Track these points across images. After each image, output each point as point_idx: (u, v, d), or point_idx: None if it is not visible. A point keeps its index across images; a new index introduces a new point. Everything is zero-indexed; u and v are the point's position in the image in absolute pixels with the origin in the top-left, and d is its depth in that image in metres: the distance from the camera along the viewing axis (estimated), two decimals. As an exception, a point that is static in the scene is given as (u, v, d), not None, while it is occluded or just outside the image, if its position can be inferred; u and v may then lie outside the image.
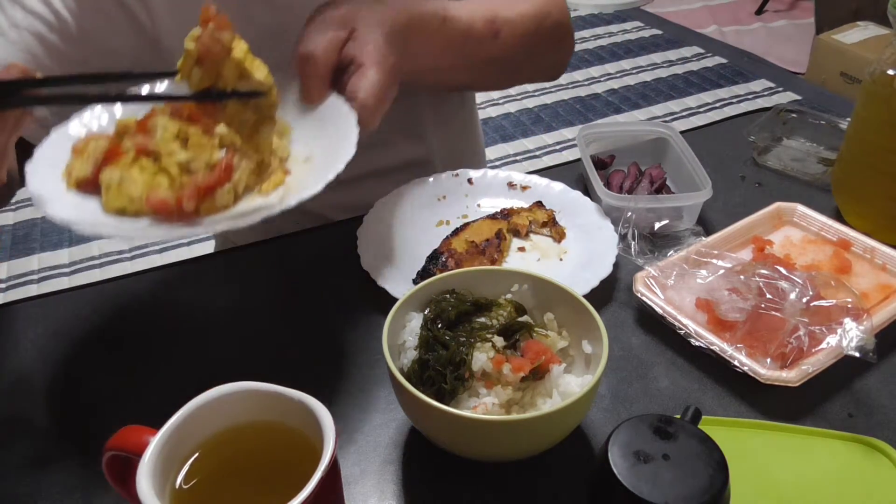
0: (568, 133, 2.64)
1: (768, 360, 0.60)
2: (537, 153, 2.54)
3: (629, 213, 0.72)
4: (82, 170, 0.58)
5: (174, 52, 0.73)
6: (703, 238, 0.73)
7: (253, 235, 0.90)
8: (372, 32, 0.63)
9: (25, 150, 0.73)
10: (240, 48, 0.58)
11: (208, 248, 1.21)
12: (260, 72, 0.59)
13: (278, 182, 0.61)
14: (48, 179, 0.58)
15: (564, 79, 3.00)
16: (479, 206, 0.83)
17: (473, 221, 0.77)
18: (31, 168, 0.58)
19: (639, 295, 0.67)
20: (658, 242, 0.72)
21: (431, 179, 0.84)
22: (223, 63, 0.58)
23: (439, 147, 0.96)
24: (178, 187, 0.57)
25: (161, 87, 0.66)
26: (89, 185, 0.58)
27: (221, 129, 0.60)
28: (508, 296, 0.60)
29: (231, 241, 1.04)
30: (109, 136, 0.61)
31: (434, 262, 0.71)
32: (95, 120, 0.64)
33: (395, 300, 0.58)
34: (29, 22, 0.68)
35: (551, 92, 2.91)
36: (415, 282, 0.70)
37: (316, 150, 0.63)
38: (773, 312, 0.62)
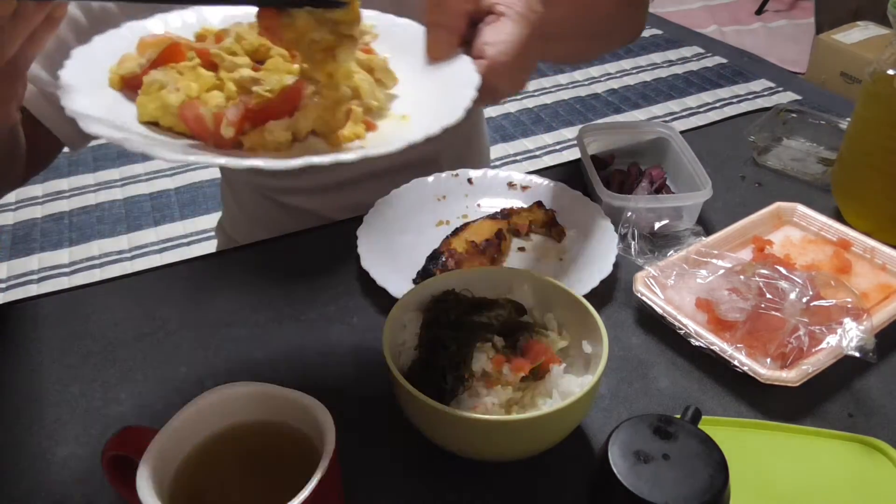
0: (568, 133, 2.64)
1: (768, 360, 0.60)
2: (537, 153, 2.54)
3: (629, 213, 0.72)
4: (131, 67, 0.48)
5: None
6: (703, 238, 0.73)
7: (257, 234, 0.91)
8: None
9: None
10: None
11: (208, 248, 1.21)
12: None
13: (356, 135, 0.49)
14: (90, 69, 0.47)
15: (564, 79, 3.00)
16: (479, 206, 0.83)
17: (473, 221, 0.77)
18: (78, 51, 0.48)
19: (639, 295, 0.67)
20: (658, 242, 0.72)
21: (431, 179, 0.84)
22: None
23: (447, 147, 0.95)
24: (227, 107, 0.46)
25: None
26: (134, 87, 0.48)
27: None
28: (508, 296, 0.60)
29: (234, 241, 1.04)
30: (187, 40, 0.50)
31: (434, 262, 0.71)
32: (181, 20, 0.53)
33: (395, 300, 0.58)
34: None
35: (551, 92, 2.92)
36: (415, 282, 0.70)
37: (417, 109, 0.51)
38: (773, 312, 0.62)
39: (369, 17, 0.53)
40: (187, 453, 0.45)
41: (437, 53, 0.52)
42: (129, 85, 0.48)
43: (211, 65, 0.48)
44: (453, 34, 0.51)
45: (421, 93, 0.52)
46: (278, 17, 0.46)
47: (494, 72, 0.49)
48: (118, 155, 2.55)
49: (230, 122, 0.44)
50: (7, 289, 2.00)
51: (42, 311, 0.72)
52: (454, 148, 0.97)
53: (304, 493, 0.39)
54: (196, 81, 0.47)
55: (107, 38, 0.50)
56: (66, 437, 0.59)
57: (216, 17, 0.54)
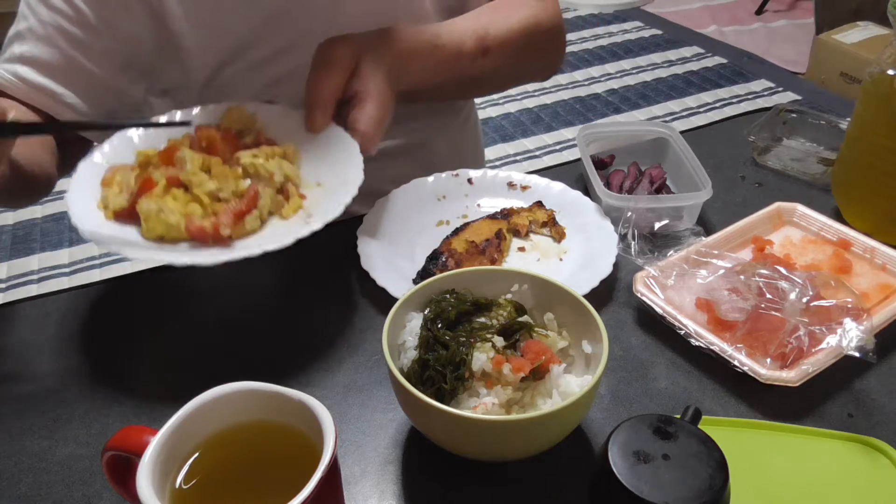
0: (568, 133, 2.64)
1: (768, 360, 0.60)
2: (537, 153, 2.54)
3: (629, 213, 0.72)
4: (117, 202, 0.65)
5: (182, 35, 0.77)
6: (703, 238, 0.73)
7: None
8: (374, 71, 0.70)
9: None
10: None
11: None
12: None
13: (297, 206, 0.68)
14: (87, 211, 0.65)
15: (564, 79, 3.00)
16: (479, 206, 0.83)
17: (473, 221, 0.77)
18: (69, 198, 0.65)
19: (639, 295, 0.67)
20: (658, 242, 0.72)
21: (431, 179, 0.84)
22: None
23: (440, 154, 0.96)
24: (211, 214, 0.64)
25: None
26: (126, 216, 0.65)
27: (245, 158, 0.68)
28: (508, 296, 0.60)
29: None
30: (131, 166, 0.68)
31: (434, 262, 0.71)
32: (114, 151, 0.71)
33: (395, 300, 0.58)
34: (52, 17, 0.73)
35: (551, 92, 2.91)
36: (415, 282, 0.70)
37: (325, 176, 0.70)
38: (773, 312, 0.62)
39: (247, 117, 0.74)
40: (187, 453, 0.45)
41: (314, 129, 0.71)
42: (121, 217, 0.65)
43: (177, 183, 0.65)
44: (327, 115, 0.71)
45: (317, 162, 0.71)
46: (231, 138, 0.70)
47: (366, 138, 0.69)
48: (118, 155, 2.54)
49: (226, 225, 0.63)
50: (7, 289, 2.00)
51: (42, 311, 0.72)
52: (451, 153, 0.98)
53: (304, 493, 0.39)
54: (176, 201, 0.64)
55: (77, 182, 0.67)
56: (66, 437, 0.59)
57: (141, 142, 0.72)
